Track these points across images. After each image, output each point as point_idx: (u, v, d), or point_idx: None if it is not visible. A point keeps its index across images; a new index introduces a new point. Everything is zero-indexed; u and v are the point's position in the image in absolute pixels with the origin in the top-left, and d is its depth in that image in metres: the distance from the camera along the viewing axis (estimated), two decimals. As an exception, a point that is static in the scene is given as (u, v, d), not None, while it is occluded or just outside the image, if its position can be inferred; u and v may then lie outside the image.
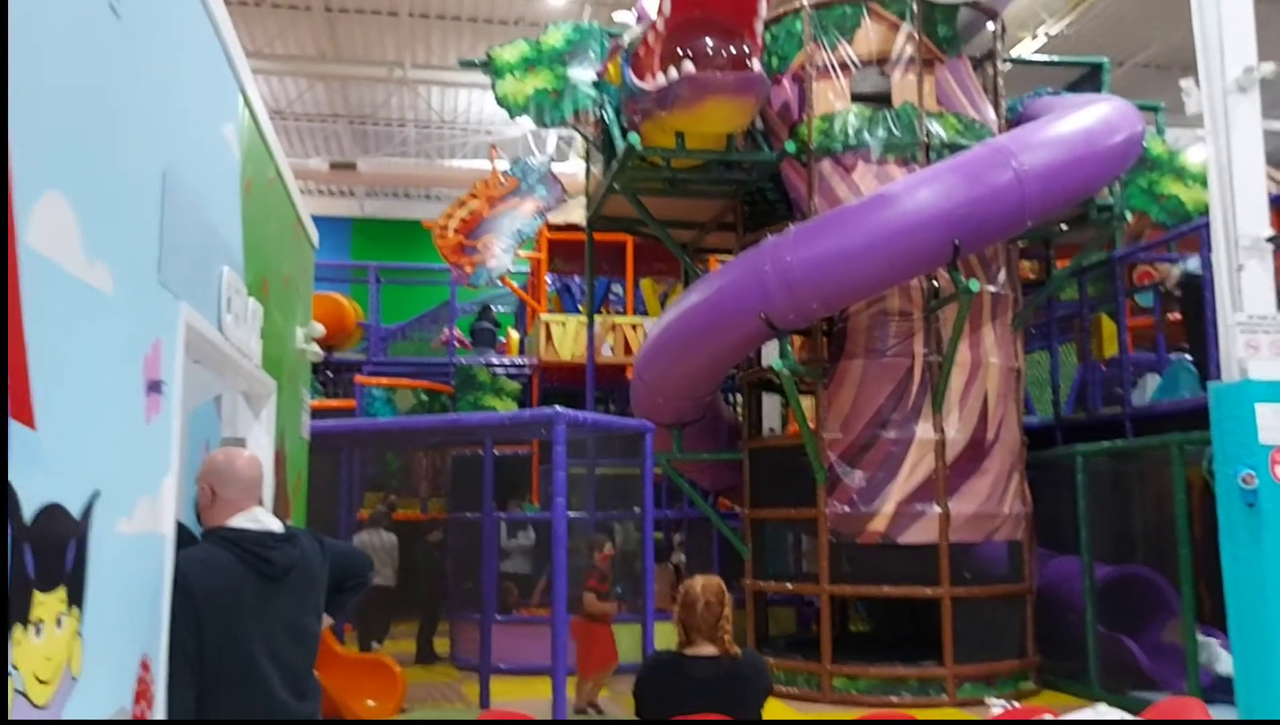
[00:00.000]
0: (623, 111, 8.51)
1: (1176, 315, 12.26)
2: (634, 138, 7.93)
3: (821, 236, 7.52)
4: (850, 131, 8.29)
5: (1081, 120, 7.78)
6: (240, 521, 2.84)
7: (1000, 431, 8.26)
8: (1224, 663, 7.57)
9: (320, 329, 5.43)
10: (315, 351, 5.37)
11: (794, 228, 7.79)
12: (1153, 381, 9.95)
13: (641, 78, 7.94)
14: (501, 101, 8.94)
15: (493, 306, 18.02)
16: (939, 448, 8.00)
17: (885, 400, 8.10)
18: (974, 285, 7.36)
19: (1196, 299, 8.90)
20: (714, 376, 8.68)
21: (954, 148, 8.08)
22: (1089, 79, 9.87)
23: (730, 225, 9.74)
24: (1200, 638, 7.67)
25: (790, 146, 8.18)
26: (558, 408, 5.89)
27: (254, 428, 4.44)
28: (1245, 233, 5.67)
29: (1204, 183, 9.58)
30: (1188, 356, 9.38)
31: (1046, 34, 12.79)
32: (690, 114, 7.66)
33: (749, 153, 8.47)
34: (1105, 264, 9.79)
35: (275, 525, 2.90)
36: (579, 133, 9.21)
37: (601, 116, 8.89)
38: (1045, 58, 10.27)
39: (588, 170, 10.45)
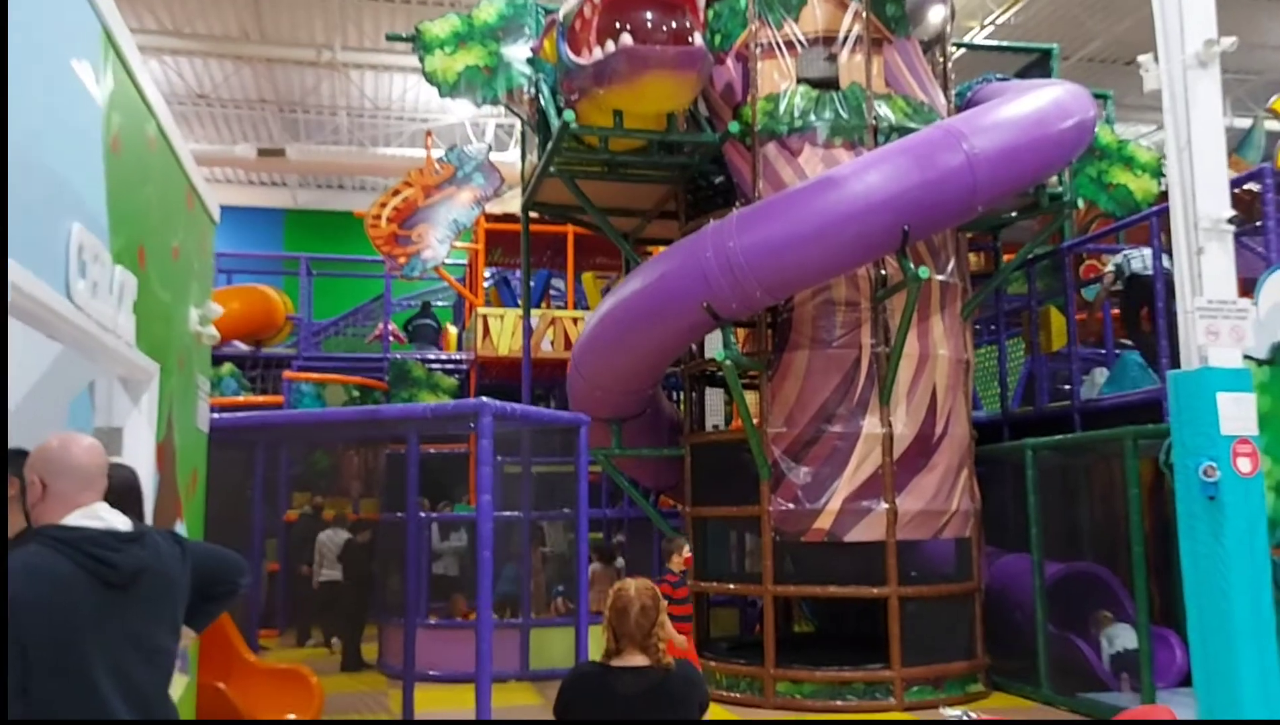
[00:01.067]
0: (559, 90, 8.09)
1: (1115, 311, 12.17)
2: (570, 115, 7.52)
3: (766, 221, 7.18)
4: (796, 113, 7.97)
5: (1034, 103, 7.54)
6: (77, 519, 2.37)
7: (949, 425, 8.00)
8: (1125, 638, 7.40)
9: (217, 309, 4.94)
10: (212, 334, 4.88)
11: (738, 212, 7.44)
12: (1100, 376, 9.79)
13: (578, 53, 7.54)
14: (430, 78, 8.47)
15: (432, 303, 17.54)
16: (886, 442, 7.71)
17: (831, 393, 7.79)
18: (924, 272, 7.07)
19: (1135, 295, 8.99)
20: (655, 369, 8.31)
21: (902, 131, 7.80)
22: (1038, 66, 9.67)
23: (672, 213, 9.37)
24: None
25: (734, 127, 7.84)
26: (483, 398, 5.46)
27: (132, 417, 3.96)
28: (1205, 214, 5.42)
29: (1153, 172, 9.49)
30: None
31: (993, 24, 12.63)
32: (629, 90, 7.28)
33: (690, 134, 8.11)
34: (1053, 255, 9.60)
35: (120, 523, 2.44)
36: (513, 112, 8.78)
37: (536, 95, 8.47)
38: (994, 43, 10.04)
39: (523, 154, 10.02)
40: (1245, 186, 12.28)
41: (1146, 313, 9.46)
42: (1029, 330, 10.03)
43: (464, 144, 14.39)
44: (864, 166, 7.20)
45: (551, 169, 8.47)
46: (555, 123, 7.88)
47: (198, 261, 5.00)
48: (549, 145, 8.13)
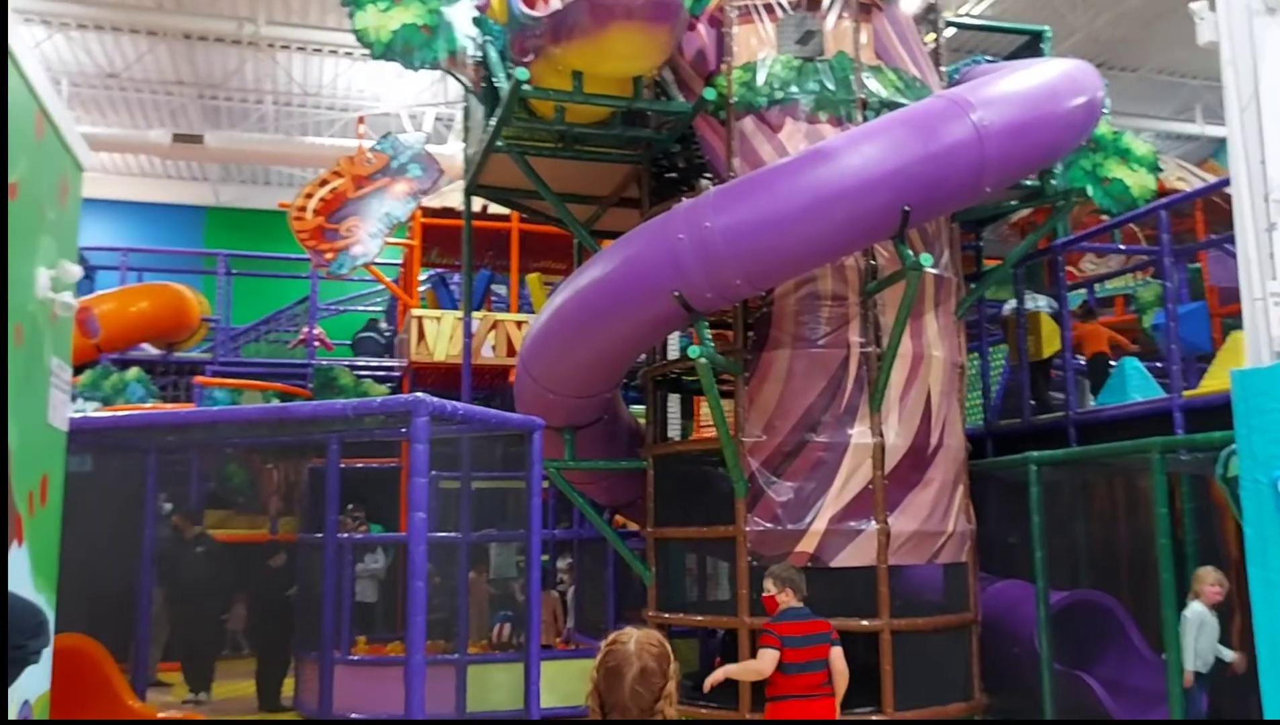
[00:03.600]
0: (509, 52, 7.11)
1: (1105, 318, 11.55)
2: (522, 73, 6.53)
3: (748, 199, 6.25)
4: (776, 84, 7.08)
5: (1043, 75, 6.75)
6: None
7: (944, 436, 7.14)
8: None
9: (76, 272, 3.85)
10: (67, 303, 3.79)
11: (715, 189, 6.51)
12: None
13: (531, 5, 6.57)
14: (361, 37, 7.40)
15: (376, 320, 16.38)
16: (877, 454, 6.81)
17: (816, 398, 6.88)
18: (926, 260, 6.20)
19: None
20: (615, 370, 7.32)
21: (893, 107, 6.95)
22: (1028, 49, 8.93)
23: (634, 201, 8.42)
24: None
25: (709, 93, 6.91)
26: (419, 394, 4.43)
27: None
28: (1277, 184, 4.60)
29: (1150, 167, 8.78)
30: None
31: (968, 15, 11.94)
32: (590, 46, 6.32)
33: (659, 102, 7.18)
34: (1047, 253, 8.87)
35: None
36: (456, 79, 7.75)
37: (483, 60, 7.47)
38: (983, 22, 9.29)
39: (466, 130, 8.99)
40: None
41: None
42: (1014, 336, 9.26)
43: (399, 132, 13.29)
44: (859, 138, 6.32)
45: (499, 143, 7.46)
46: (504, 87, 6.89)
47: (52, 210, 3.91)
48: (497, 114, 7.13)
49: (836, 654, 5.31)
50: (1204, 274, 10.68)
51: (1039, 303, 9.64)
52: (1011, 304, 9.89)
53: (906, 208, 6.04)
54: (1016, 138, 6.29)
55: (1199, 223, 11.73)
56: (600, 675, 2.38)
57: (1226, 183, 8.14)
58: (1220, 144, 13.19)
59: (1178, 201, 8.56)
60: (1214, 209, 12.36)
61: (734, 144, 7.12)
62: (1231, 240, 9.52)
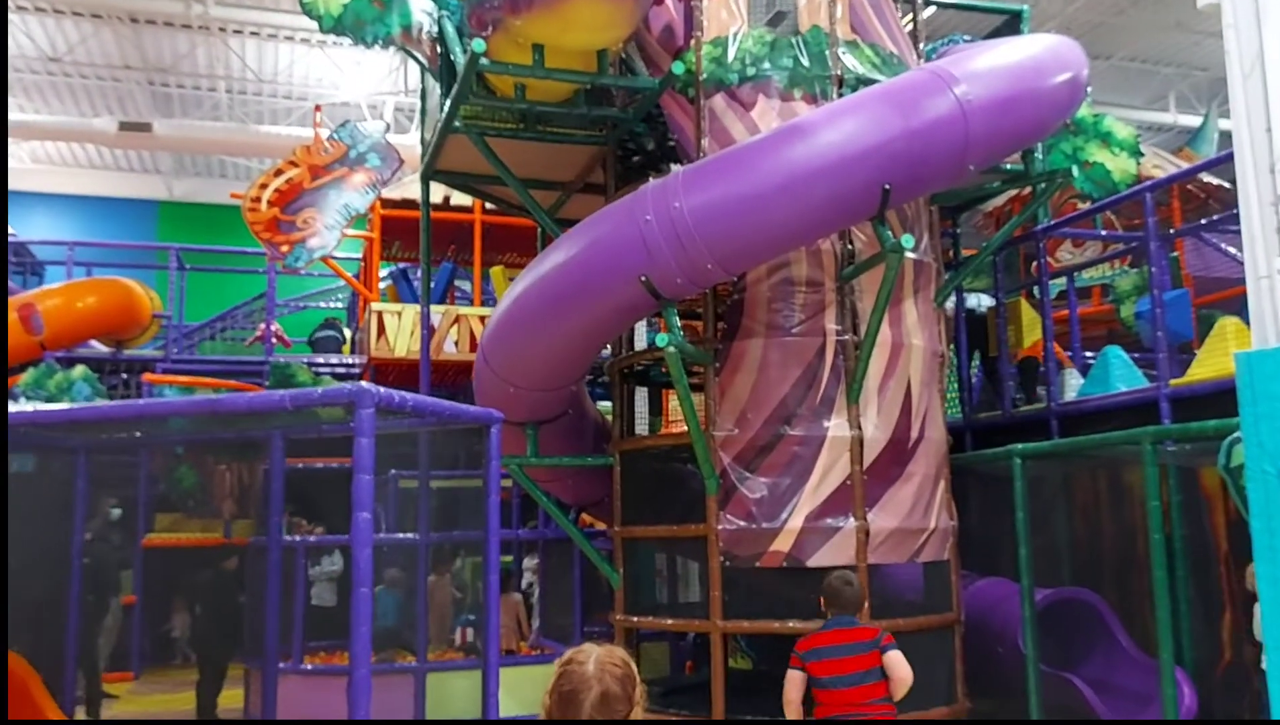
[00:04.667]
0: (466, 27, 6.73)
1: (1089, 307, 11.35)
2: (479, 44, 6.13)
3: (720, 178, 5.90)
4: (748, 60, 6.74)
5: (1027, 49, 6.44)
6: None
7: (925, 428, 6.82)
8: None
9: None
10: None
11: (684, 168, 6.15)
12: (1072, 377, 8.83)
13: (490, -27, 6.19)
14: (309, 10, 6.98)
15: (338, 321, 15.91)
16: (855, 447, 6.49)
17: (790, 389, 6.54)
18: (908, 241, 5.87)
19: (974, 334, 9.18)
20: (580, 360, 6.94)
21: (870, 84, 6.61)
22: (1007, 29, 8.64)
23: (599, 187, 8.06)
24: None
25: (678, 68, 6.54)
26: (363, 384, 4.04)
27: None
28: (1284, 153, 4.31)
29: (1131, 151, 8.52)
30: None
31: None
32: (552, 16, 5.95)
33: (624, 79, 6.81)
34: (1028, 240, 8.61)
35: None
36: (410, 56, 7.36)
37: (439, 35, 7.08)
38: (962, 0, 9.00)
39: (422, 111, 8.58)
40: (1202, 178, 11.57)
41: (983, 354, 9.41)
42: (994, 325, 8.99)
43: (359, 122, 12.84)
44: (837, 113, 5.98)
45: (457, 122, 7.06)
46: (461, 62, 6.51)
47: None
48: (453, 91, 6.74)
49: (892, 659, 4.92)
50: (1181, 263, 10.48)
51: (983, 301, 9.50)
52: (980, 299, 9.69)
53: (887, 186, 5.72)
54: (1001, 113, 5.98)
55: (1175, 212, 11.56)
56: (554, 701, 2.02)
57: (1214, 163, 7.96)
58: (1194, 132, 13.05)
59: (1164, 184, 8.33)
60: (1190, 197, 12.21)
61: (703, 123, 6.77)
62: (1212, 227, 9.34)
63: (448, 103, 6.96)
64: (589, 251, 6.27)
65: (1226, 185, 11.52)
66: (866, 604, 6.23)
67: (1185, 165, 11.82)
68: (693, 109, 6.83)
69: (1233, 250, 9.63)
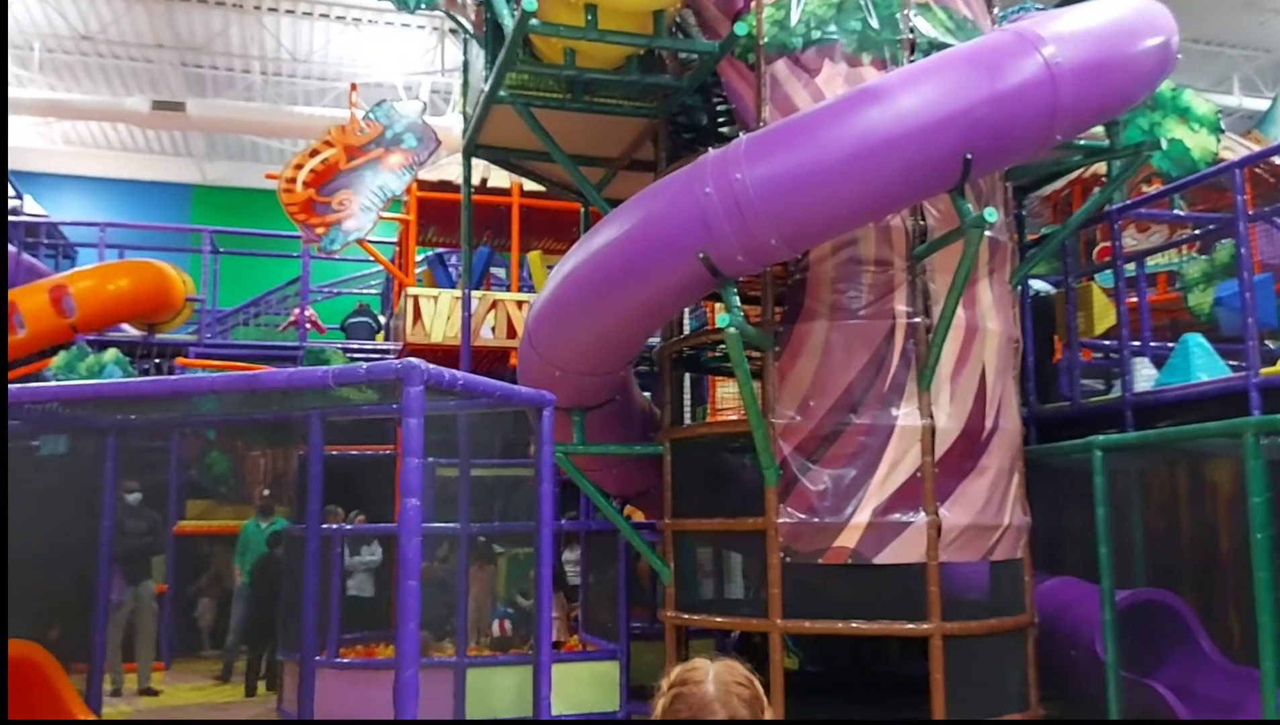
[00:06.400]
0: (513, -12, 6.37)
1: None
2: (530, 3, 5.76)
3: (787, 147, 5.50)
4: (813, 23, 6.32)
5: (1117, 10, 5.97)
6: None
7: (999, 418, 6.40)
8: None
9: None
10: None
11: (747, 137, 5.75)
12: (1143, 366, 8.35)
13: (541, -71, 5.82)
14: (350, -28, 6.65)
15: (371, 308, 15.67)
16: (926, 438, 6.07)
17: (857, 375, 6.13)
18: (991, 215, 5.45)
19: (1042, 322, 8.56)
20: (631, 343, 6.57)
21: (942, 49, 6.18)
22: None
23: (646, 164, 7.68)
24: None
25: (740, 29, 6.15)
26: (411, 360, 3.70)
27: None
28: None
29: (1212, 127, 8.04)
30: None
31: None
32: (608, -27, 5.58)
33: (682, 41, 6.43)
34: (1101, 221, 8.15)
35: None
36: (454, 21, 7.03)
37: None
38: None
39: (465, 86, 8.22)
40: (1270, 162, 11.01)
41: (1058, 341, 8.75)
42: (1063, 311, 8.53)
43: (395, 101, 12.53)
44: (915, 76, 5.56)
45: (502, 92, 6.71)
46: (509, 24, 6.14)
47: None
48: (499, 57, 6.38)
49: None
50: (1253, 249, 9.96)
51: (1037, 286, 9.05)
52: (1040, 285, 9.25)
53: (969, 155, 5.29)
54: (1092, 78, 5.54)
55: (1247, 197, 11.01)
56: (668, 721, 1.65)
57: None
58: (1263, 115, 12.49)
59: (1254, 160, 7.82)
60: (1259, 182, 11.65)
61: (764, 91, 6.37)
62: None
63: (493, 72, 6.60)
64: (643, 227, 5.89)
65: (1301, 168, 10.97)
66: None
67: (1256, 148, 11.28)
68: (753, 76, 6.42)
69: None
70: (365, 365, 3.76)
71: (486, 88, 6.85)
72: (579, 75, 6.52)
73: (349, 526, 9.21)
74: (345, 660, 7.57)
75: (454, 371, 4.03)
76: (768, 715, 1.76)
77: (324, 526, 8.22)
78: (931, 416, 6.09)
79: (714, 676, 1.73)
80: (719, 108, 7.56)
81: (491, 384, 4.31)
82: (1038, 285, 9.17)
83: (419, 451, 3.71)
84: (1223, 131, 8.14)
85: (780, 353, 6.29)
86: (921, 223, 6.21)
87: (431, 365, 3.84)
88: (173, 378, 5.43)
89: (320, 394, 6.17)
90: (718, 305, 5.68)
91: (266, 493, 10.57)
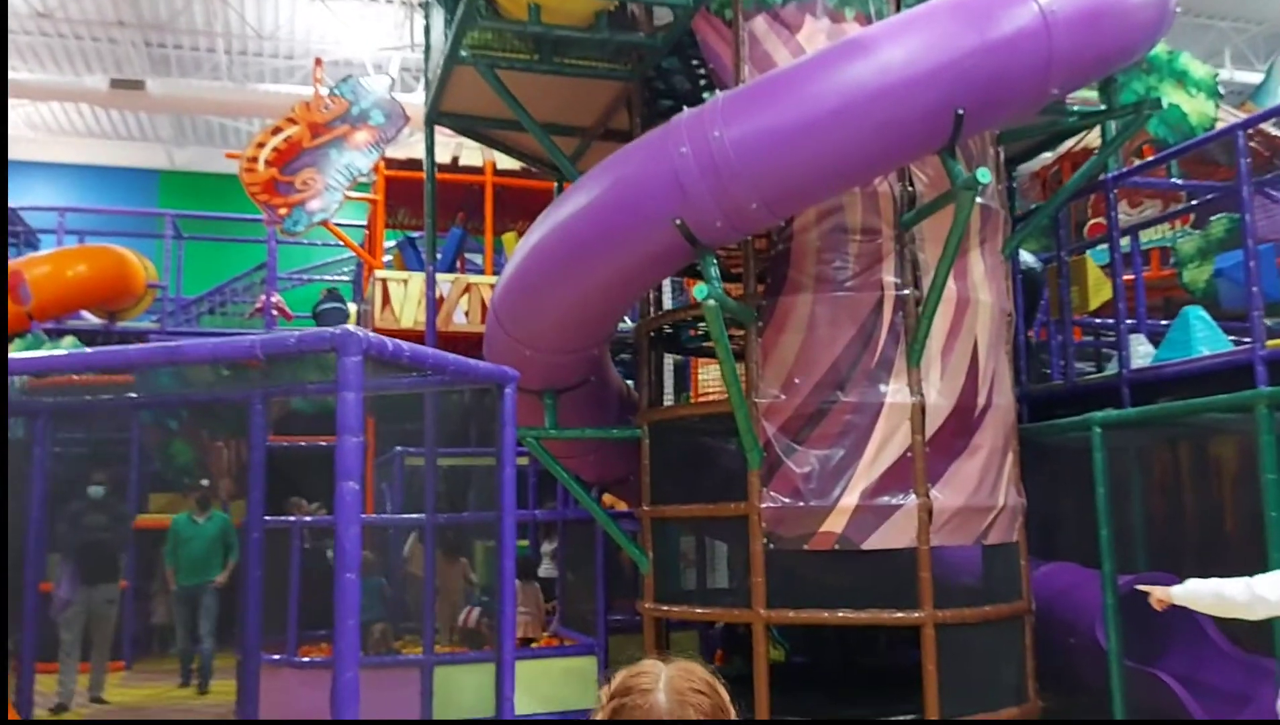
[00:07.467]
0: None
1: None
2: (488, -50, 5.36)
3: (767, 103, 5.12)
4: (794, -24, 5.95)
5: (1114, -42, 5.60)
6: None
7: (992, 395, 6.05)
8: None
9: None
10: None
11: (724, 95, 5.37)
12: (1140, 343, 8.02)
13: (501, -128, 5.42)
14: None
15: (342, 294, 15.21)
16: (917, 416, 5.72)
17: (843, 351, 5.77)
18: (984, 175, 5.08)
19: (1029, 292, 8.28)
20: (604, 318, 6.19)
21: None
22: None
23: (622, 134, 7.28)
24: None
25: (718, -22, 5.76)
26: (349, 327, 3.31)
27: None
28: None
29: (1209, 92, 7.71)
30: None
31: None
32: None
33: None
34: (1098, 189, 7.80)
35: None
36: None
37: (445, -45, 6.33)
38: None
39: (427, 50, 7.80)
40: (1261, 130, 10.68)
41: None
42: (1055, 285, 8.20)
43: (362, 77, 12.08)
44: (901, 26, 5.19)
45: (463, 51, 6.30)
46: (469, -23, 5.74)
47: None
48: (459, 12, 5.97)
49: None
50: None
51: (1025, 259, 8.72)
52: (1027, 258, 8.93)
53: (960, 110, 4.93)
54: (1088, 26, 5.18)
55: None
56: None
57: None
58: (1257, 87, 12.19)
59: (1260, 120, 7.50)
60: (1253, 155, 11.34)
61: (743, 49, 5.98)
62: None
63: (452, 29, 6.19)
64: (615, 192, 5.50)
65: (1296, 139, 10.65)
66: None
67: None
68: (730, 33, 6.04)
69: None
70: (297, 334, 3.37)
71: (446, 46, 6.44)
72: (546, 32, 6.13)
73: (308, 518, 8.79)
74: (305, 659, 7.18)
75: (399, 341, 3.64)
76: (729, 709, 1.40)
77: (284, 519, 7.86)
78: (922, 393, 5.74)
79: (666, 684, 1.37)
80: (698, 71, 7.18)
81: (444, 357, 3.92)
82: (1025, 258, 8.85)
83: (357, 429, 3.32)
84: (1221, 96, 7.81)
85: (763, 328, 5.92)
86: (910, 189, 5.85)
87: (372, 334, 3.45)
88: (84, 352, 5.00)
89: (272, 373, 5.80)
90: (699, 283, 5.35)
91: (205, 483, 10.07)
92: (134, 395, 8.06)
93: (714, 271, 5.34)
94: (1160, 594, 4.69)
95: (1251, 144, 11.28)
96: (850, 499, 5.63)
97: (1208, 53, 14.19)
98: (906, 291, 5.81)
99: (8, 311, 11.44)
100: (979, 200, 5.91)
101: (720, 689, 1.48)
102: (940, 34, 5.03)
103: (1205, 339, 7.07)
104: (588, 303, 5.90)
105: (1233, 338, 7.39)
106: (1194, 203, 8.92)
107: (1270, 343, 6.34)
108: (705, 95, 7.16)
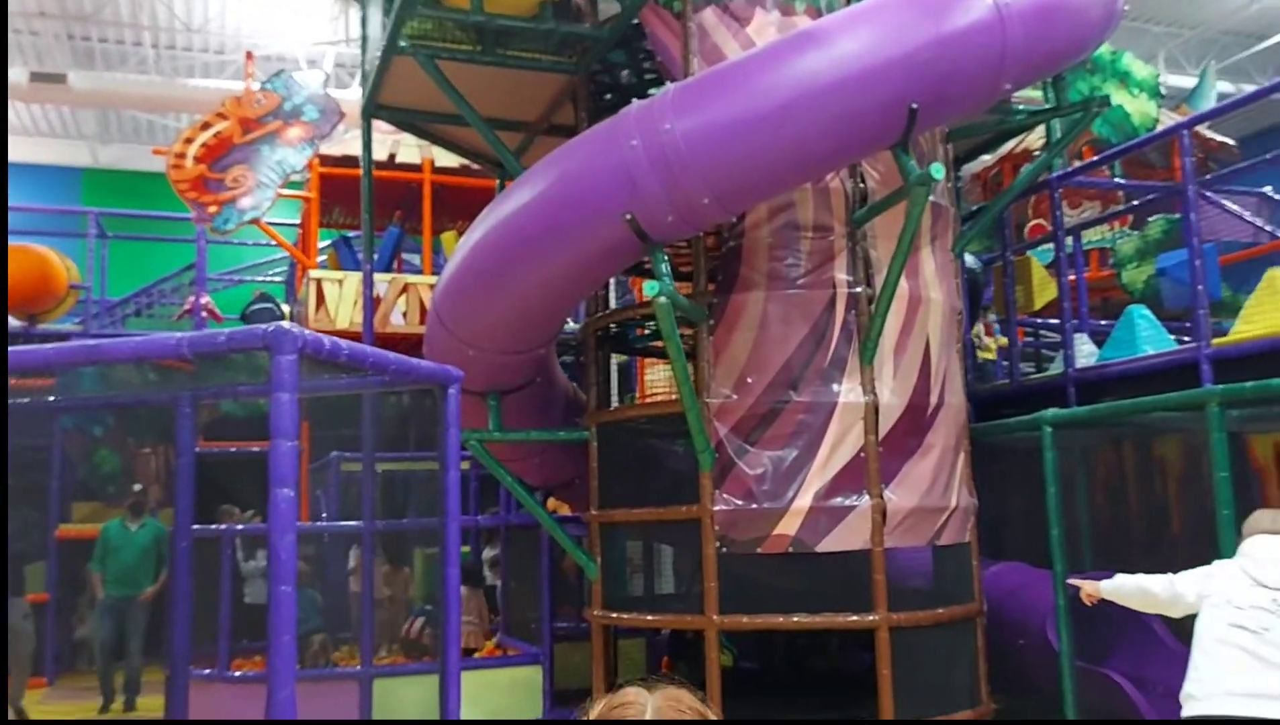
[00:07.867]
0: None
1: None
2: (429, -67, 5.15)
3: (718, 95, 4.98)
4: (743, -32, 5.84)
5: (1064, -46, 5.57)
6: None
7: (944, 393, 5.99)
8: None
9: None
10: None
11: (675, 86, 5.23)
12: (1083, 342, 8.06)
13: None
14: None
15: (273, 296, 14.75)
16: (870, 415, 5.63)
17: (796, 349, 5.66)
18: (938, 171, 5.00)
19: (970, 292, 8.16)
20: (549, 317, 6.00)
21: (883, 1, 5.74)
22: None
23: (567, 129, 7.10)
24: None
25: (664, -30, 5.62)
26: (283, 324, 3.09)
27: None
28: None
29: (1151, 92, 7.77)
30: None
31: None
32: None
33: (601, -12, 5.89)
34: (1041, 189, 7.81)
35: None
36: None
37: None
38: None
39: (364, 41, 7.54)
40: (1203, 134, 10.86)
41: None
42: (1000, 285, 8.20)
43: (295, 71, 11.73)
44: (855, 18, 5.09)
45: (402, 41, 6.07)
46: (409, -37, 5.53)
47: None
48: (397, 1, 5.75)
49: None
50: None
51: (968, 260, 8.76)
52: (967, 259, 8.95)
53: (914, 105, 4.84)
54: (1042, 21, 5.13)
55: (1175, 170, 10.87)
56: None
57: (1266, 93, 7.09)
58: (1191, 90, 12.41)
59: (1201, 120, 7.56)
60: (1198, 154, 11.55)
61: (692, 41, 5.85)
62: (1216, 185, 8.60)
63: (390, 17, 5.97)
64: (562, 186, 5.32)
65: (1230, 142, 10.85)
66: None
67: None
68: (679, 25, 5.90)
69: (1237, 208, 8.85)
70: (226, 332, 3.14)
71: (385, 36, 6.21)
72: (487, 22, 5.93)
73: (239, 526, 8.46)
74: (238, 674, 6.88)
75: (336, 339, 3.43)
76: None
77: (214, 527, 7.54)
78: (875, 392, 5.65)
79: (655, 712, 1.22)
80: (645, 65, 7.04)
81: (385, 356, 3.71)
82: (966, 259, 8.86)
83: (292, 432, 3.11)
84: (1163, 96, 7.89)
85: (714, 326, 5.78)
86: (861, 186, 5.77)
87: (308, 331, 3.23)
88: None
89: (201, 374, 5.52)
90: (647, 281, 5.20)
91: (137, 488, 9.67)
92: (53, 398, 7.71)
93: (665, 267, 5.19)
94: (1090, 588, 4.76)
95: (1196, 141, 11.51)
96: (804, 500, 5.52)
97: (1143, 57, 14.41)
98: (859, 289, 5.72)
99: (8, 312, 10.92)
100: (930, 198, 5.84)
101: (710, 715, 1.32)
102: (894, 26, 4.94)
103: (1150, 338, 7.11)
104: (533, 300, 5.71)
105: (1175, 337, 7.45)
106: (1135, 203, 9.00)
107: (1216, 341, 6.38)
108: (652, 90, 7.01)
